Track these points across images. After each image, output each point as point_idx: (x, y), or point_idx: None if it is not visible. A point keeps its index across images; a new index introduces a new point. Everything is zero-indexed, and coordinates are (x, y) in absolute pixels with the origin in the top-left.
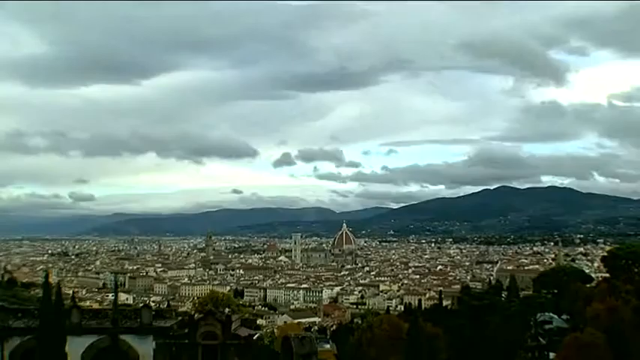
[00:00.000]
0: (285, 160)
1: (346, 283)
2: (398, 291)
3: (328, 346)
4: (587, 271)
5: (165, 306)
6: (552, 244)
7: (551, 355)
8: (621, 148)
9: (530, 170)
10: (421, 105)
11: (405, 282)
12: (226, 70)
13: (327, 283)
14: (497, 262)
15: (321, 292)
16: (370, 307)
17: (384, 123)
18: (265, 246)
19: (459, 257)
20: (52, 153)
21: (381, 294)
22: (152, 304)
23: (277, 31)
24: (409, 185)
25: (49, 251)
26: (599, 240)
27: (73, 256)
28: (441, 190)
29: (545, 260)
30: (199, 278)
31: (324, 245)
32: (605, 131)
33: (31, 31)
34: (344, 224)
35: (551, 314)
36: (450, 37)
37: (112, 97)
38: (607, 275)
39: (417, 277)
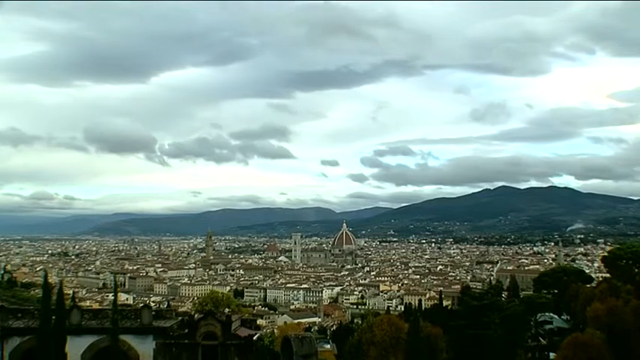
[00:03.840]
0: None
1: (346, 283)
2: (398, 291)
3: (328, 346)
4: (587, 271)
5: (165, 306)
6: (552, 244)
7: (551, 355)
8: (621, 148)
9: (530, 170)
10: (420, 104)
11: (405, 282)
12: (227, 69)
13: (327, 283)
14: (497, 262)
15: (321, 292)
16: (370, 307)
17: (382, 122)
18: (265, 246)
19: (459, 257)
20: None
21: (381, 294)
22: (152, 304)
23: (274, 29)
24: (409, 185)
25: (49, 251)
26: (599, 240)
27: (73, 256)
28: (441, 190)
29: (545, 260)
30: (199, 278)
31: (324, 245)
32: (605, 131)
33: (18, 30)
34: (344, 224)
35: (551, 314)
36: (450, 37)
37: (111, 96)
38: (607, 275)
39: (417, 277)
